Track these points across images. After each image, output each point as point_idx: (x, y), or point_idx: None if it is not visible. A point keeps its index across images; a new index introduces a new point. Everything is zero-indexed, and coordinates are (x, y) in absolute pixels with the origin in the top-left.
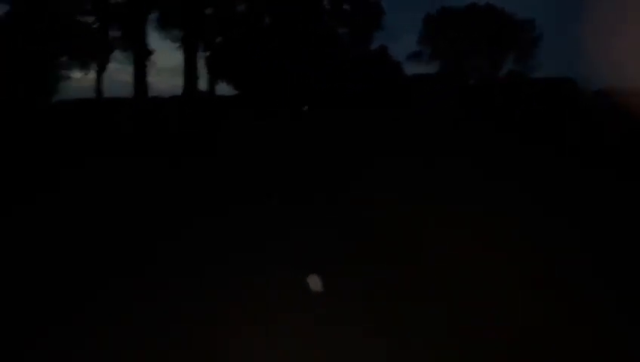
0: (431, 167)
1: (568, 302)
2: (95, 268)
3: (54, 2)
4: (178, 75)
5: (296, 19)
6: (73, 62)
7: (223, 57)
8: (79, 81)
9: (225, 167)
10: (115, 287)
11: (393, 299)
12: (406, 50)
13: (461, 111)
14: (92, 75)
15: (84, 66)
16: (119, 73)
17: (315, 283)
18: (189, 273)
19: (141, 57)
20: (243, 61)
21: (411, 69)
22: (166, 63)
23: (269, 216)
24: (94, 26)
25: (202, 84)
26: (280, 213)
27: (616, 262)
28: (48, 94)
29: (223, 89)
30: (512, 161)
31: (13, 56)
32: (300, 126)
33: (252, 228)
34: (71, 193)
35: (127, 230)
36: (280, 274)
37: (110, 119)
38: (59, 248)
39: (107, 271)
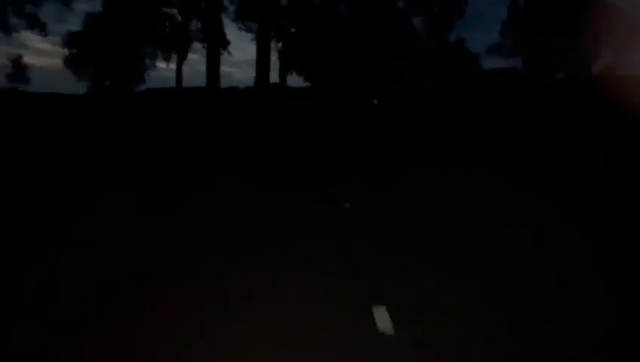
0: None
1: None
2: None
3: None
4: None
5: (370, 10)
6: (157, 52)
7: (296, 48)
8: (163, 70)
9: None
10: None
11: None
12: (486, 42)
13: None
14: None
15: (166, 57)
16: (201, 64)
17: None
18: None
19: (214, 48)
20: (315, 52)
21: (491, 62)
22: (248, 55)
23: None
24: (177, 19)
25: (275, 76)
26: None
27: None
28: (135, 82)
29: (294, 80)
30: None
31: (106, 46)
32: (365, 118)
33: None
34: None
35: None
36: None
37: (183, 106)
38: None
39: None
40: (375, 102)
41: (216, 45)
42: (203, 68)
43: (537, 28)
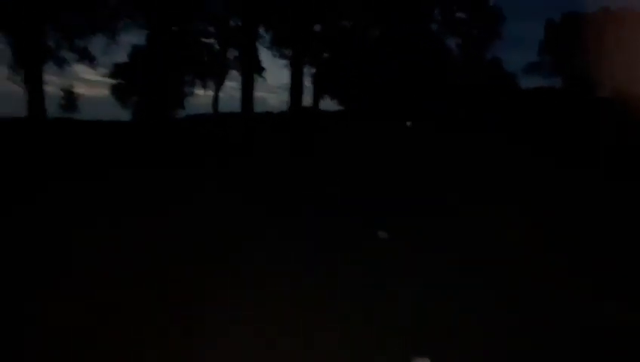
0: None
1: None
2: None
3: (185, 25)
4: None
5: (404, 32)
6: (196, 80)
7: (329, 73)
8: (201, 97)
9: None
10: None
11: None
12: (522, 62)
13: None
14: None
15: (204, 84)
16: (237, 90)
17: None
18: None
19: (248, 75)
20: (348, 76)
21: (529, 81)
22: (282, 81)
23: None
24: (215, 48)
25: (308, 99)
26: None
27: None
28: (175, 108)
29: (328, 104)
30: None
31: (149, 76)
32: (399, 141)
33: None
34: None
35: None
36: None
37: (221, 131)
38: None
39: None
40: (409, 124)
41: (251, 72)
42: (239, 94)
43: (576, 46)
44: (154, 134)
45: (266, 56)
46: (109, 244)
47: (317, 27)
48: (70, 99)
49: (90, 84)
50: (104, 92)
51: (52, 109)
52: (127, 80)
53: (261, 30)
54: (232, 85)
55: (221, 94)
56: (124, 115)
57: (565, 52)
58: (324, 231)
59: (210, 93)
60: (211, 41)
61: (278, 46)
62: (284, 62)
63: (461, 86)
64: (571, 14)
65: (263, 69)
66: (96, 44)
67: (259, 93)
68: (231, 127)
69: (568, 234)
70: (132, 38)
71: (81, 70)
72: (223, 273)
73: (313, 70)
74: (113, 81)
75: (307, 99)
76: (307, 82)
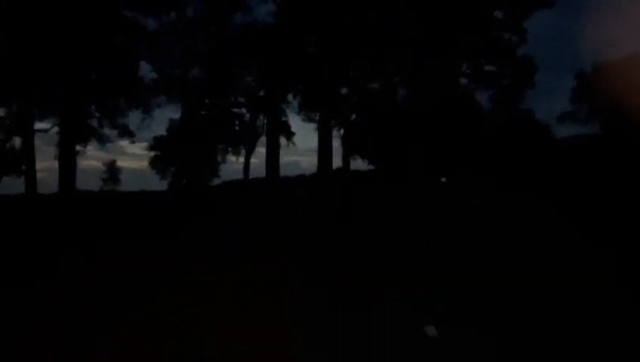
0: None
1: None
2: None
3: (217, 98)
4: None
5: (431, 91)
6: (228, 148)
7: (358, 133)
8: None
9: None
10: None
11: None
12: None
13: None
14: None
15: (236, 151)
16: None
17: None
18: None
19: (273, 140)
20: (377, 136)
21: (563, 131)
22: (313, 144)
23: None
24: (246, 117)
25: (338, 161)
26: None
27: None
28: (210, 176)
29: (359, 164)
30: None
31: (185, 147)
32: (431, 198)
33: None
34: None
35: None
36: None
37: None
38: None
39: None
40: (443, 180)
41: (276, 138)
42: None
43: (610, 93)
44: (181, 202)
45: (297, 122)
46: None
47: (344, 90)
48: (112, 172)
49: (133, 157)
50: (145, 164)
51: (95, 183)
52: (164, 151)
53: (290, 97)
54: (263, 151)
55: (256, 160)
56: (162, 185)
57: (600, 99)
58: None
59: (242, 159)
60: (242, 110)
61: (305, 110)
62: (314, 125)
63: (495, 139)
64: (601, 62)
65: (292, 133)
66: (136, 119)
67: (292, 157)
68: (254, 193)
69: None
70: (171, 112)
71: (127, 145)
72: None
73: (342, 131)
74: (152, 154)
75: (338, 161)
76: (338, 143)
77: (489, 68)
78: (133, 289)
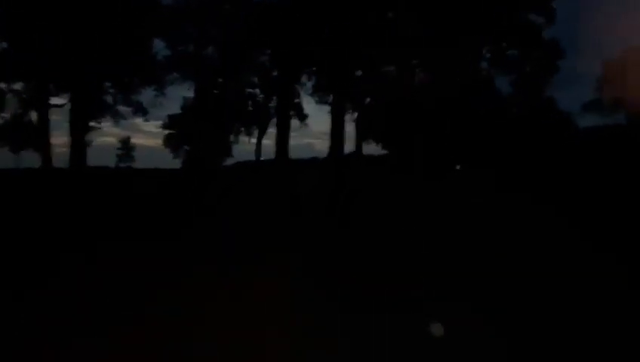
0: None
1: None
2: None
3: (230, 77)
4: None
5: (450, 73)
6: (240, 128)
7: (372, 118)
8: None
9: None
10: None
11: None
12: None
13: None
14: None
15: (248, 132)
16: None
17: None
18: None
19: (283, 121)
20: (392, 120)
21: (587, 121)
22: (328, 127)
23: None
24: (259, 97)
25: (351, 145)
26: None
27: None
28: (222, 157)
29: (372, 149)
30: None
31: (199, 124)
32: (443, 187)
33: None
34: None
35: None
36: None
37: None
38: None
39: None
40: (458, 167)
41: (286, 118)
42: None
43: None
44: (203, 181)
45: (313, 104)
46: None
47: (358, 72)
48: (127, 149)
49: (149, 135)
50: (159, 142)
51: (110, 159)
52: (178, 130)
53: (304, 78)
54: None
55: (269, 141)
56: (176, 163)
57: (626, 88)
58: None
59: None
60: (255, 91)
61: (319, 92)
62: (329, 108)
63: (515, 127)
64: (629, 49)
65: (305, 115)
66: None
67: (307, 140)
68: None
69: None
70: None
71: (143, 123)
72: None
73: (355, 115)
74: (167, 132)
75: (351, 146)
76: (351, 128)
77: (513, 52)
78: (137, 278)
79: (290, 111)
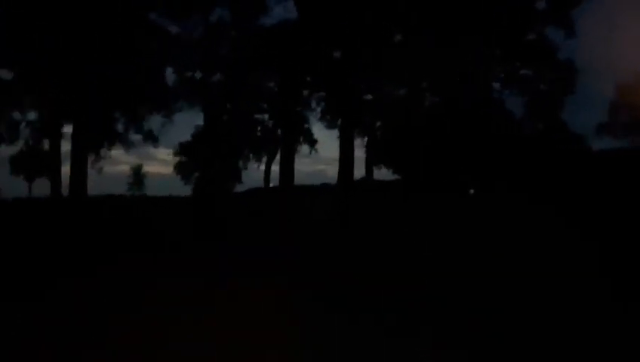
0: None
1: None
2: None
3: (238, 103)
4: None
5: (461, 96)
6: (249, 154)
7: (383, 142)
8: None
9: None
10: None
11: None
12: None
13: None
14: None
15: (258, 158)
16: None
17: None
18: None
19: (289, 147)
20: (403, 144)
21: (601, 143)
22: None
23: None
24: (268, 123)
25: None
26: None
27: None
28: (233, 183)
29: (383, 174)
30: None
31: (209, 152)
32: (459, 209)
33: None
34: None
35: None
36: None
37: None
38: None
39: None
40: (471, 191)
41: (291, 144)
42: (297, 167)
43: None
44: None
45: (325, 131)
46: None
47: (368, 96)
48: (137, 176)
49: (163, 163)
50: (169, 169)
51: (122, 186)
52: (189, 157)
53: (313, 104)
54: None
55: (275, 167)
56: (187, 190)
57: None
58: None
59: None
60: (264, 117)
61: (328, 116)
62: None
63: (529, 150)
64: None
65: (315, 140)
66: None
67: (317, 166)
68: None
69: None
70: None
71: (157, 151)
72: None
73: (365, 139)
74: (177, 159)
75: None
76: (362, 153)
77: (526, 72)
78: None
79: (297, 135)
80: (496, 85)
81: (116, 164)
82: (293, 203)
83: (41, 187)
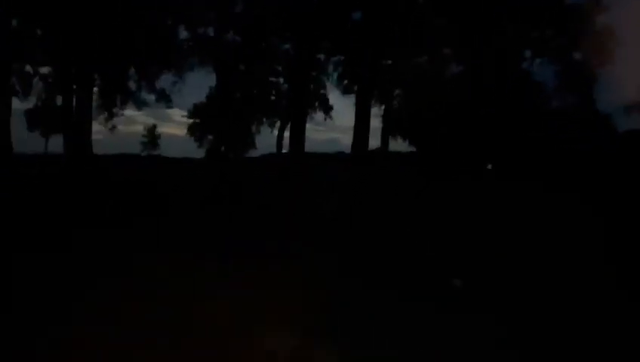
0: None
1: None
2: None
3: (252, 64)
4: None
5: (487, 68)
6: (262, 119)
7: (400, 111)
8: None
9: None
10: None
11: None
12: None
13: None
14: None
15: (271, 123)
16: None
17: None
18: None
19: (300, 112)
20: (422, 115)
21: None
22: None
23: None
24: (283, 86)
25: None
26: None
27: None
28: (246, 148)
29: (398, 145)
30: None
31: (223, 115)
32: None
33: None
34: None
35: None
36: None
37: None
38: None
39: None
40: (489, 167)
41: (302, 108)
42: (311, 133)
43: None
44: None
45: (342, 100)
46: None
47: (387, 61)
48: (151, 137)
49: (180, 124)
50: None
51: (136, 146)
52: (202, 119)
53: (330, 69)
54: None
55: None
56: (201, 153)
57: None
58: None
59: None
60: (279, 80)
61: (345, 81)
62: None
63: (554, 124)
64: None
65: (330, 107)
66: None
67: (332, 134)
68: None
69: None
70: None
71: (172, 112)
72: None
73: (383, 108)
74: (191, 121)
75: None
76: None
77: (560, 40)
78: None
79: (312, 101)
80: (527, 53)
81: (133, 124)
82: (306, 171)
83: (59, 144)
